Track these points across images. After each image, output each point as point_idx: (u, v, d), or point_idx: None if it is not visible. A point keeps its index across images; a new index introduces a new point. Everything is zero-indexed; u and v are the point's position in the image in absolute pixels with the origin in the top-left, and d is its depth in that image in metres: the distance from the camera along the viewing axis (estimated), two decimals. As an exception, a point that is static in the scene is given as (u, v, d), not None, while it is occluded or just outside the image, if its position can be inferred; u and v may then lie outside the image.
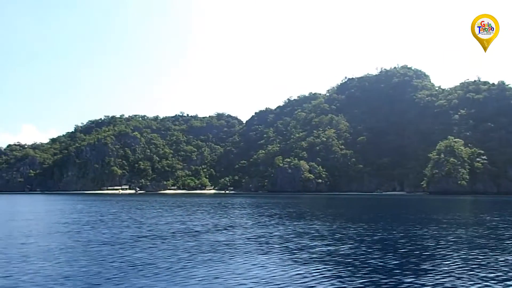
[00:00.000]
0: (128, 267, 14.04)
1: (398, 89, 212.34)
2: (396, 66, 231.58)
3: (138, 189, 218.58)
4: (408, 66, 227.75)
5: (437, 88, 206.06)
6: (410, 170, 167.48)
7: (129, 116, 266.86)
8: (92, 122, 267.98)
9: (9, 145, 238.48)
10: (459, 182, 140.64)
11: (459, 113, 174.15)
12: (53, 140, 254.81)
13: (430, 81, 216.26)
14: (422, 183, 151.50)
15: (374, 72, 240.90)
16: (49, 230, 25.94)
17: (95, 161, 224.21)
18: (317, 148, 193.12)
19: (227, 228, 26.98)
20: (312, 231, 24.85)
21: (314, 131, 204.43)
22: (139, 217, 37.58)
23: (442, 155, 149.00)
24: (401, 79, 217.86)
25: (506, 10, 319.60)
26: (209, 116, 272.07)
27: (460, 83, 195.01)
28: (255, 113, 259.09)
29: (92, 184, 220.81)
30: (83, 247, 18.61)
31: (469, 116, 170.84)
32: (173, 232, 24.54)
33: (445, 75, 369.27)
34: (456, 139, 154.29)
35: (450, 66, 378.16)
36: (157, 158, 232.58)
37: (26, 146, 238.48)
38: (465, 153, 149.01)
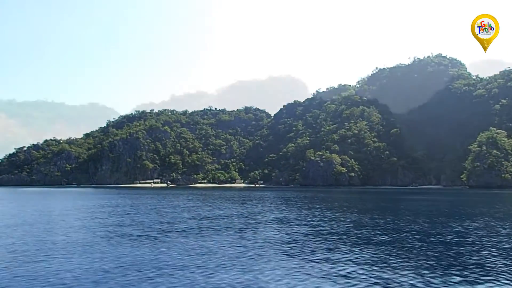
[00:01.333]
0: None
1: (432, 79, 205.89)
2: (430, 55, 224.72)
3: (169, 182, 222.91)
4: (443, 55, 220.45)
5: (474, 77, 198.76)
6: (447, 163, 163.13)
7: (158, 111, 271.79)
8: (123, 117, 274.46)
9: (46, 140, 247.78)
10: (503, 175, 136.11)
11: (500, 103, 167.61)
12: (86, 135, 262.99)
13: (466, 70, 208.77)
14: (462, 177, 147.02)
15: (406, 61, 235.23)
16: (177, 227, 26.67)
17: (127, 155, 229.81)
18: (349, 140, 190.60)
19: (356, 227, 27.07)
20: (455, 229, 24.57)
21: (345, 123, 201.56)
22: (236, 212, 38.10)
23: (484, 147, 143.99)
24: (436, 68, 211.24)
25: (506, 10, 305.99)
26: (237, 110, 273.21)
27: (500, 72, 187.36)
28: (283, 106, 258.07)
29: (125, 177, 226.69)
30: (254, 250, 18.89)
31: (510, 105, 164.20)
32: (314, 227, 24.84)
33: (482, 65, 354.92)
34: (498, 130, 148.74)
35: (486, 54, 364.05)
36: (187, 152, 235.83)
37: (61, 141, 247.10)
38: (508, 145, 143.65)
